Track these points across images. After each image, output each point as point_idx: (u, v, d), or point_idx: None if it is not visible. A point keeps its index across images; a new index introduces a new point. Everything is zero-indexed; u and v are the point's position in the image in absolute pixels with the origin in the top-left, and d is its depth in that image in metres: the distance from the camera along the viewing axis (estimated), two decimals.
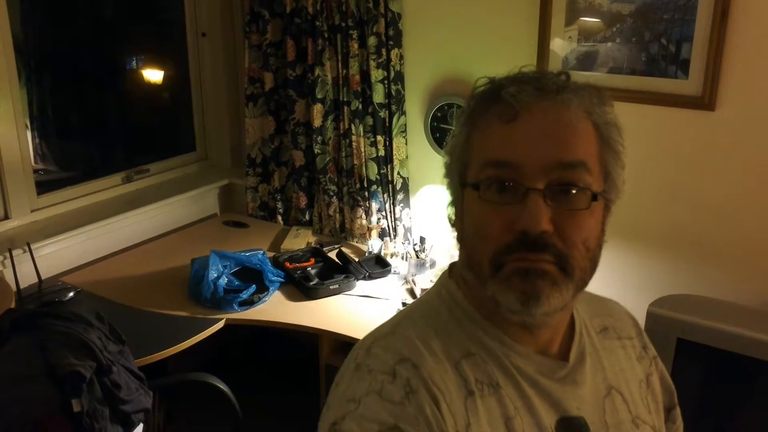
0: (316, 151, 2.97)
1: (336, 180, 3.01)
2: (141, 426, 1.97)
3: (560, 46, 2.47)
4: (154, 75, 3.44)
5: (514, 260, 0.79)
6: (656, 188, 2.38)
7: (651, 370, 0.99)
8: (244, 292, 2.49)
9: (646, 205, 2.40)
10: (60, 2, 3.10)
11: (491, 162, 0.81)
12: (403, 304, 2.44)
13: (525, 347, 0.86)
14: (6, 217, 2.70)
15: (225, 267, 2.60)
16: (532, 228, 0.77)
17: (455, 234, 0.90)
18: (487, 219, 0.80)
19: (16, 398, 1.60)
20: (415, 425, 0.76)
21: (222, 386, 2.17)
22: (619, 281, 2.43)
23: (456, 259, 0.93)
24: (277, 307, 2.50)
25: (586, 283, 0.84)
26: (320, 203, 3.07)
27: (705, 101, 2.27)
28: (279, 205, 3.20)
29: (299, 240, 2.99)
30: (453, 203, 0.90)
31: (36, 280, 2.57)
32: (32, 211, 2.78)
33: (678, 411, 1.03)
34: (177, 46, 3.37)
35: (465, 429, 0.79)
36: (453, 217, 0.91)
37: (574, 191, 0.79)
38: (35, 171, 2.89)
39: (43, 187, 2.86)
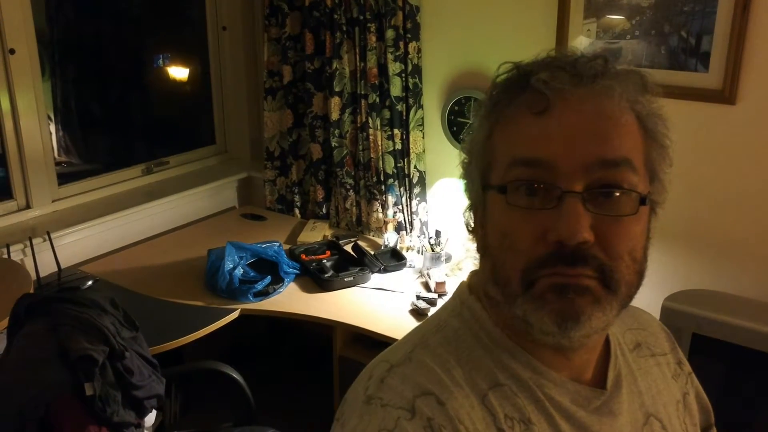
0: (333, 144, 2.97)
1: (353, 173, 3.01)
2: (154, 413, 2.00)
3: (579, 39, 2.44)
4: (175, 69, 3.47)
5: (549, 275, 0.68)
6: (676, 182, 2.33)
7: (687, 389, 0.90)
8: (259, 283, 2.50)
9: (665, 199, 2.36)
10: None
11: (520, 160, 0.69)
12: (417, 297, 2.44)
13: (558, 373, 0.75)
14: (27, 206, 2.74)
15: (241, 258, 2.61)
16: (570, 238, 0.66)
17: (475, 243, 0.79)
18: (516, 228, 0.70)
19: (28, 381, 1.62)
20: None
21: (235, 375, 2.19)
22: None
23: (475, 266, 0.82)
24: (291, 299, 2.51)
25: (631, 299, 0.73)
26: (337, 197, 3.07)
27: (726, 95, 2.24)
28: (296, 198, 3.21)
29: (315, 233, 3.00)
30: (472, 207, 0.79)
31: (55, 269, 2.61)
32: (53, 201, 2.82)
33: (714, 430, 0.94)
34: (198, 40, 3.39)
35: None
36: (472, 224, 0.79)
37: (617, 194, 0.69)
38: (58, 163, 2.93)
39: (65, 178, 2.91)
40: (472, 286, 0.82)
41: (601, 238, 0.68)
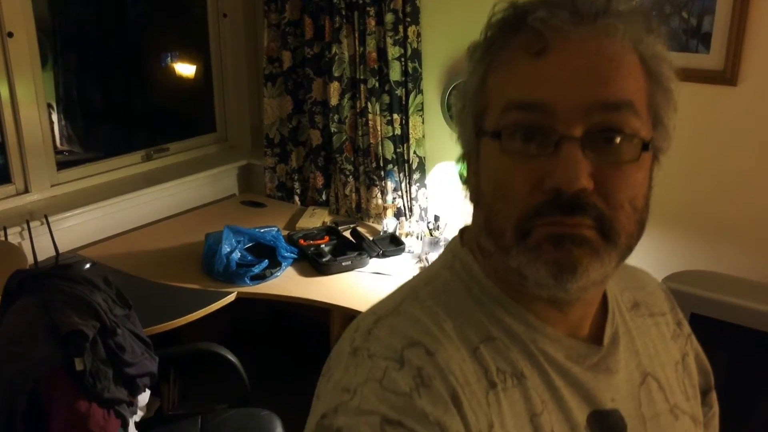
0: (332, 130, 2.96)
1: (352, 159, 2.99)
2: (148, 393, 1.99)
3: None
4: (176, 57, 3.46)
5: (546, 225, 0.64)
6: (676, 164, 2.29)
7: (687, 350, 0.87)
8: (257, 266, 2.49)
9: (665, 181, 2.29)
10: None
11: (516, 104, 0.66)
12: None
13: (553, 328, 0.72)
14: (26, 191, 2.73)
15: (239, 242, 2.60)
16: (568, 185, 0.63)
17: (468, 194, 0.75)
18: (511, 175, 0.66)
19: (17, 356, 1.62)
20: (425, 424, 0.62)
21: (230, 356, 2.18)
22: (635, 257, 2.37)
23: (468, 222, 0.78)
24: (288, 282, 2.50)
25: (631, 251, 0.69)
26: (336, 183, 3.06)
27: (727, 76, 2.21)
28: (296, 185, 3.19)
29: (315, 219, 2.98)
30: (465, 157, 0.75)
31: (53, 253, 2.61)
32: (52, 186, 2.81)
33: (714, 395, 0.90)
34: (199, 28, 3.39)
35: (488, 430, 0.66)
36: (465, 174, 0.75)
37: (619, 139, 0.65)
38: (60, 152, 2.92)
39: (65, 165, 2.90)
40: (464, 239, 0.79)
41: (601, 185, 0.64)
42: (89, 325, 1.67)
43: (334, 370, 0.70)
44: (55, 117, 2.97)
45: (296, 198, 3.21)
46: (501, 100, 0.67)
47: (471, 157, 0.74)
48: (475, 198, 0.73)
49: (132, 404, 1.83)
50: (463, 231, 0.80)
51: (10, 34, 2.57)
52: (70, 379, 1.63)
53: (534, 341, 0.71)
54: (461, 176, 0.77)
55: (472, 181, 0.74)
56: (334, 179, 3.07)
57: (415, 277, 0.79)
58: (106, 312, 1.74)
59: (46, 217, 2.57)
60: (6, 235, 2.49)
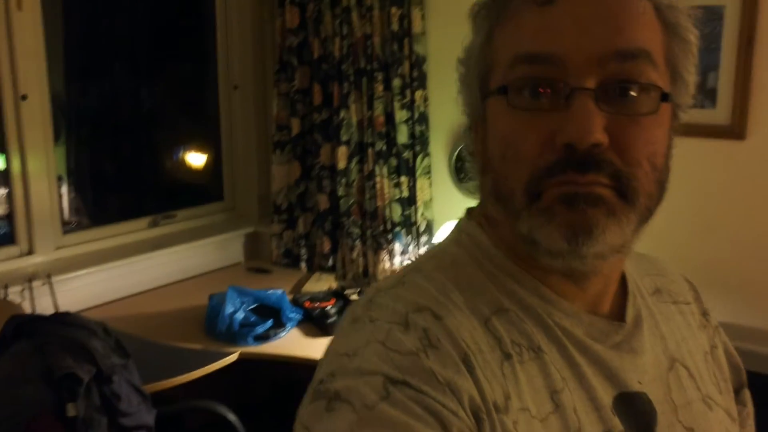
0: (340, 193, 2.95)
1: (360, 223, 2.97)
2: None
3: None
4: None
5: (558, 185, 0.60)
6: (689, 221, 2.28)
7: (715, 342, 0.80)
8: (260, 326, 2.43)
9: (679, 240, 2.29)
10: (98, 57, 3.21)
11: (523, 57, 0.61)
12: None
13: (570, 304, 0.67)
14: (30, 252, 2.71)
15: (243, 303, 2.54)
16: (581, 140, 0.58)
17: (476, 166, 0.70)
18: (520, 134, 0.62)
19: (8, 399, 1.55)
20: (433, 384, 0.57)
21: (230, 415, 2.08)
22: None
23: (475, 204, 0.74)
24: (293, 343, 2.42)
25: (651, 214, 0.64)
26: (344, 247, 3.03)
27: (735, 130, 2.21)
28: (303, 251, 3.16)
29: (321, 284, 2.93)
30: (472, 126, 0.71)
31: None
32: (57, 249, 2.79)
33: (748, 393, 0.83)
34: (210, 98, 3.45)
35: (504, 401, 0.60)
36: (472, 146, 0.71)
37: (635, 91, 0.61)
38: (67, 223, 2.91)
39: (71, 230, 2.89)
40: (471, 215, 0.74)
41: (617, 141, 0.60)
42: (84, 368, 1.60)
43: (332, 343, 0.66)
44: (64, 189, 2.99)
45: (302, 264, 3.17)
46: (507, 55, 0.63)
47: (478, 124, 0.69)
48: (482, 167, 0.69)
49: None
50: (470, 210, 0.76)
51: (24, 97, 2.61)
52: (61, 426, 1.56)
53: (550, 315, 0.66)
54: (467, 149, 0.72)
55: (479, 150, 0.69)
56: (341, 244, 3.04)
57: (420, 256, 0.75)
58: (103, 358, 1.67)
59: (48, 276, 2.54)
60: (6, 294, 2.44)
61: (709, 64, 2.23)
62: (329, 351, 0.64)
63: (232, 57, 3.39)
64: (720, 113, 2.23)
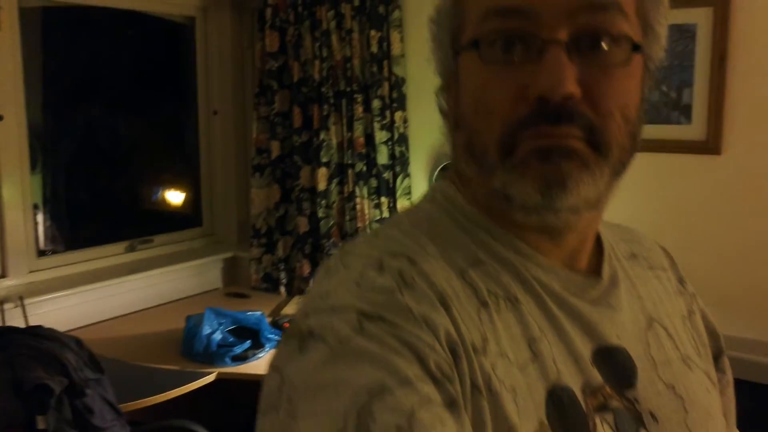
0: (320, 215, 2.94)
1: (339, 244, 2.95)
2: None
3: None
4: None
5: (531, 138, 0.59)
6: (666, 235, 2.28)
7: (693, 308, 0.80)
8: (238, 347, 2.38)
9: None
10: (77, 84, 3.20)
11: (494, 11, 0.61)
12: None
13: (546, 258, 0.66)
14: (3, 275, 2.65)
15: (221, 324, 2.50)
16: (553, 91, 0.58)
17: (448, 124, 0.69)
18: (492, 88, 0.61)
19: None
20: (408, 319, 0.56)
21: None
22: None
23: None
24: None
25: (624, 167, 0.64)
26: None
27: (710, 145, 2.24)
28: (282, 275, 3.13)
29: None
30: (445, 86, 0.70)
31: None
32: (30, 272, 2.73)
33: (726, 360, 0.82)
34: (189, 124, 3.44)
35: (481, 344, 0.58)
36: (445, 105, 0.70)
37: (606, 42, 0.60)
38: (42, 252, 2.85)
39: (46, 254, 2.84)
40: (444, 175, 0.74)
41: (589, 92, 0.60)
42: (56, 380, 1.55)
43: (307, 293, 0.65)
44: (40, 218, 2.94)
45: (282, 288, 3.13)
46: (479, 10, 0.63)
47: (450, 82, 0.68)
48: (454, 124, 0.68)
49: None
50: (444, 171, 0.75)
51: (0, 117, 2.58)
52: None
53: (527, 269, 0.65)
54: (441, 110, 0.70)
55: (452, 107, 0.68)
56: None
57: (393, 216, 0.73)
58: (76, 370, 1.62)
59: (21, 298, 2.48)
60: None
61: (683, 80, 2.27)
62: (303, 299, 0.63)
63: (212, 83, 3.39)
64: (695, 129, 2.26)
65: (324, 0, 2.81)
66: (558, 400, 0.60)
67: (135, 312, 2.92)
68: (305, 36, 2.90)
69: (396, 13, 2.75)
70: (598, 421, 0.61)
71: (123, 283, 2.88)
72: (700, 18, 2.20)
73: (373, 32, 2.73)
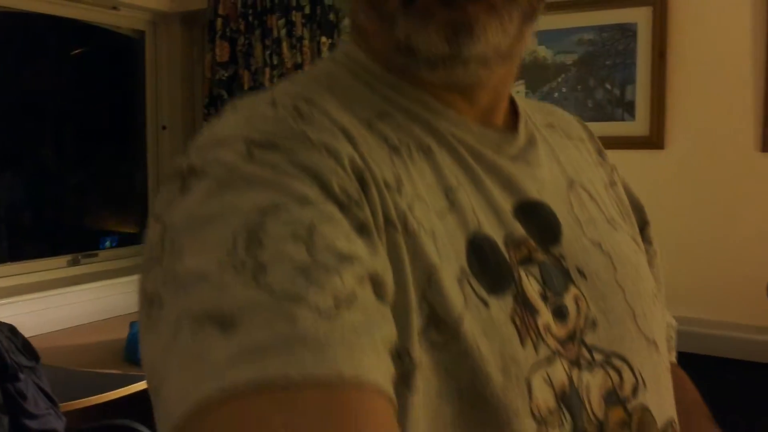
0: None
1: None
2: None
3: None
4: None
5: None
6: None
7: (614, 179, 0.76)
8: None
9: None
10: (23, 98, 3.13)
11: None
12: None
13: (458, 114, 0.61)
14: None
15: None
16: None
17: None
18: None
19: None
20: (306, 144, 0.50)
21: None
22: None
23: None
24: None
25: (535, 12, 0.59)
26: None
27: (653, 140, 2.30)
28: None
29: None
30: None
31: None
32: None
33: (651, 230, 0.79)
34: (136, 138, 3.39)
35: (395, 183, 0.53)
36: None
37: None
38: None
39: None
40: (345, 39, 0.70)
41: None
42: None
43: None
44: None
45: None
46: None
47: None
48: None
49: None
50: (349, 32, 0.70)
51: None
52: None
53: (438, 123, 0.60)
54: None
55: None
56: None
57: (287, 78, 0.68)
58: (8, 352, 1.54)
59: None
60: None
61: (625, 78, 2.33)
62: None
63: (162, 97, 3.36)
64: (639, 125, 2.32)
65: (275, 8, 2.83)
66: (479, 249, 0.56)
67: (78, 326, 2.81)
68: (256, 45, 2.91)
69: (347, 20, 2.78)
70: (523, 273, 0.57)
71: (64, 295, 2.78)
72: (640, 17, 2.28)
73: (323, 39, 2.75)
